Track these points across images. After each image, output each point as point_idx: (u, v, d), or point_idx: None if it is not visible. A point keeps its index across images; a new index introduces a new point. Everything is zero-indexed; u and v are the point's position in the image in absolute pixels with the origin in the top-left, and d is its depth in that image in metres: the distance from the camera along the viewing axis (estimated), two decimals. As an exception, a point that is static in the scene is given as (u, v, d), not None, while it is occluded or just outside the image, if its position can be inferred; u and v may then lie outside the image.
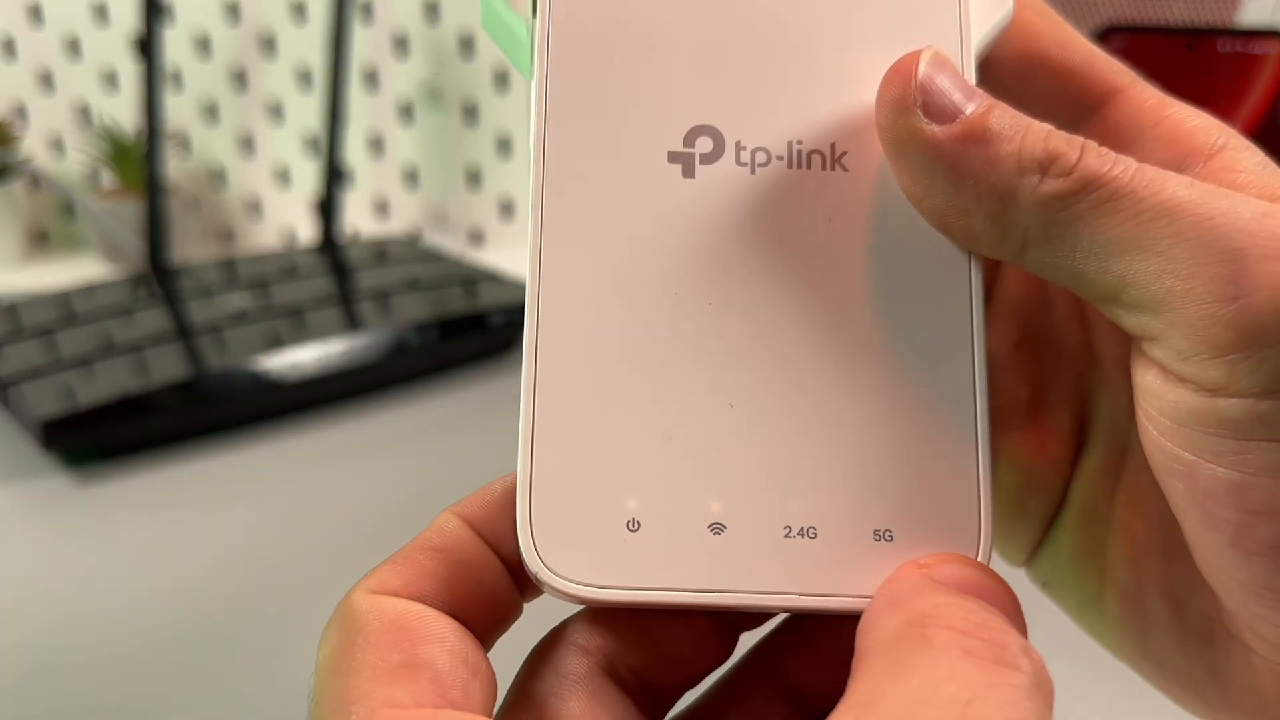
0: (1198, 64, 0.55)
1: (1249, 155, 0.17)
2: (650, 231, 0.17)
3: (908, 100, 0.16)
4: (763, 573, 0.16)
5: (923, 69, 0.16)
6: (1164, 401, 0.16)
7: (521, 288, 0.60)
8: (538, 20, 0.17)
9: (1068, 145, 0.15)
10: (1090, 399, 0.21)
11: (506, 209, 0.86)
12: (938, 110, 0.16)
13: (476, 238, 0.86)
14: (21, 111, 0.80)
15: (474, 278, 0.62)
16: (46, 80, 0.80)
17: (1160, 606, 0.19)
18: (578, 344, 0.16)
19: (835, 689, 0.17)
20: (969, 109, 0.16)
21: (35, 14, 0.78)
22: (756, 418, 0.17)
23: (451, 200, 0.85)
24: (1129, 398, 0.20)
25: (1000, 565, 0.22)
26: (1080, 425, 0.21)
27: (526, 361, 0.16)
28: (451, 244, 0.84)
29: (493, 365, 0.57)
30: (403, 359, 0.53)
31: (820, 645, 0.18)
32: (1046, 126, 0.16)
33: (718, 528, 0.16)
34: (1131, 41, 0.55)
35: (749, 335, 0.17)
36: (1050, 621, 0.20)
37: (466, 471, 0.45)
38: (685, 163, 0.17)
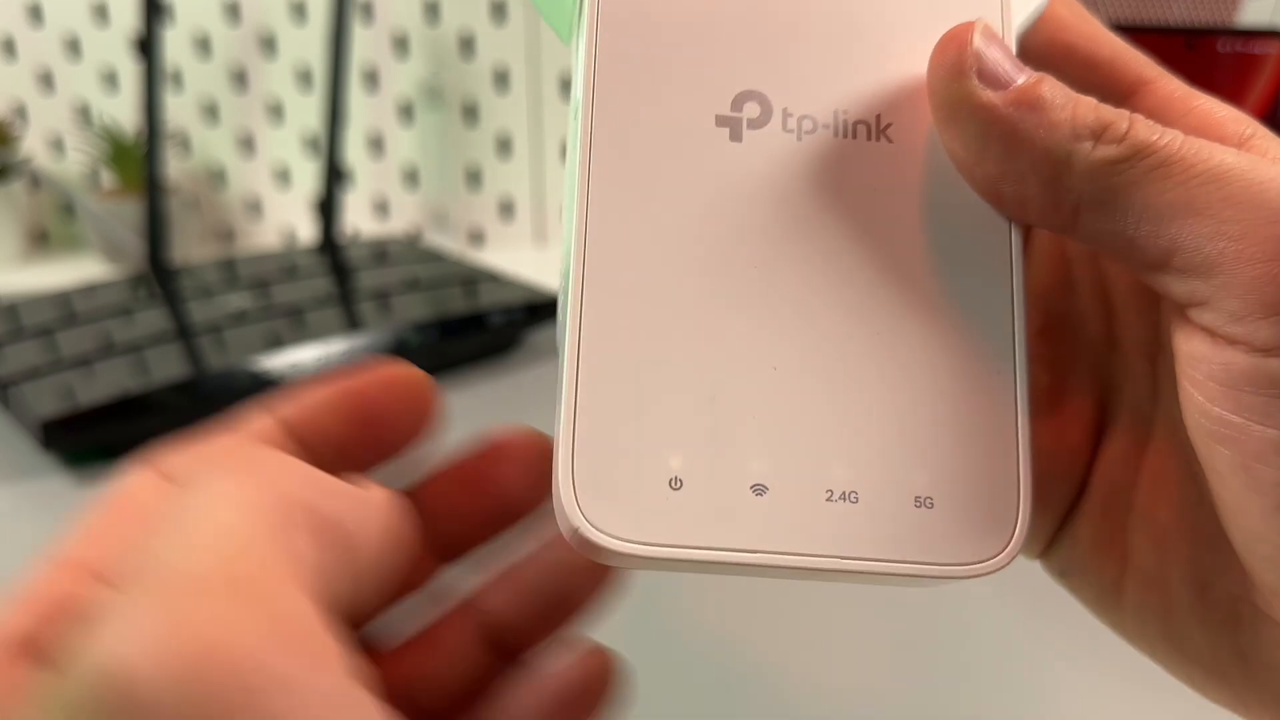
0: (1198, 64, 0.55)
1: (1276, 144, 0.17)
2: (696, 193, 0.17)
3: (964, 65, 0.16)
4: (803, 535, 0.16)
5: (976, 38, 0.16)
6: (1213, 365, 0.16)
7: (522, 288, 0.60)
8: None
9: (1117, 115, 0.16)
10: (1112, 386, 0.21)
11: (506, 209, 0.86)
12: (992, 76, 0.16)
13: (476, 238, 0.86)
14: (21, 111, 0.80)
15: (474, 278, 0.62)
16: (46, 80, 0.80)
17: (1184, 590, 0.19)
18: (622, 303, 0.16)
19: (530, 625, 0.19)
20: (1020, 79, 0.16)
21: (35, 14, 0.78)
22: (800, 381, 0.17)
23: (451, 200, 0.85)
24: (1152, 384, 0.20)
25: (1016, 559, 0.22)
26: (1101, 412, 0.21)
27: (571, 316, 0.16)
28: (451, 244, 0.84)
29: (493, 365, 0.57)
30: (403, 359, 0.53)
31: (516, 579, 0.19)
32: (1094, 99, 0.16)
33: (760, 489, 0.16)
34: (1131, 41, 0.55)
35: (793, 299, 0.17)
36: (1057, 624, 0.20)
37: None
38: (733, 127, 0.17)
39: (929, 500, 0.16)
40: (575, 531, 0.16)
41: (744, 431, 0.16)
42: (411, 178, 0.85)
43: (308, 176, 0.84)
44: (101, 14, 0.79)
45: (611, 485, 0.16)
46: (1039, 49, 0.19)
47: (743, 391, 0.16)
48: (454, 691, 0.19)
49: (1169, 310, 0.17)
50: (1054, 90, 0.16)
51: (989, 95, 0.16)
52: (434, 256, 0.67)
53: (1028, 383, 0.17)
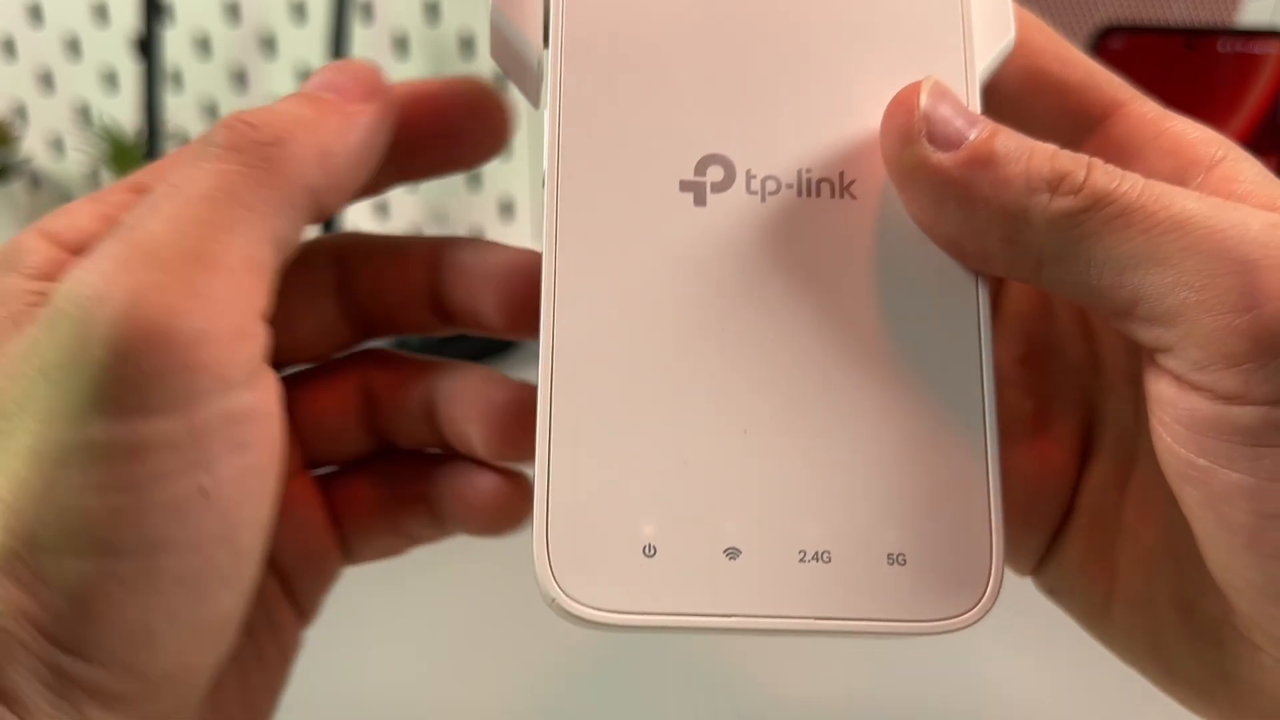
0: (1198, 64, 0.55)
1: (1248, 166, 0.17)
2: (663, 259, 0.17)
3: (913, 130, 0.16)
4: (777, 596, 0.16)
5: (924, 99, 0.16)
6: (1179, 409, 0.16)
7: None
8: (549, 50, 0.18)
9: (1074, 163, 0.16)
10: (1096, 408, 0.21)
11: (506, 209, 0.86)
12: (942, 138, 0.16)
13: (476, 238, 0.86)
14: (21, 111, 0.80)
15: (474, 278, 0.62)
16: (46, 80, 0.80)
17: (1170, 610, 0.19)
18: (592, 371, 0.17)
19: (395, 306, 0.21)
20: (973, 134, 0.16)
21: (35, 14, 0.78)
22: (770, 443, 0.17)
23: (451, 200, 0.85)
24: (1135, 406, 0.20)
25: (1007, 575, 0.22)
26: (1086, 434, 0.21)
27: (541, 388, 0.17)
28: (451, 244, 0.84)
29: (492, 365, 0.57)
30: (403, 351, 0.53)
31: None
32: (1051, 147, 0.16)
33: (733, 552, 0.16)
34: (1131, 41, 0.55)
35: (761, 361, 0.17)
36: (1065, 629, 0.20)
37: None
38: (697, 191, 0.17)
39: (901, 557, 0.17)
40: (553, 601, 0.16)
41: (716, 496, 0.17)
42: (411, 178, 0.85)
43: (308, 176, 0.84)
44: (101, 14, 0.79)
45: (586, 555, 0.16)
46: (1011, 78, 0.19)
47: (713, 456, 0.17)
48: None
49: (1142, 351, 0.17)
50: (1007, 143, 0.16)
51: (940, 158, 0.16)
52: (434, 256, 0.67)
53: (998, 436, 0.17)
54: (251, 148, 0.16)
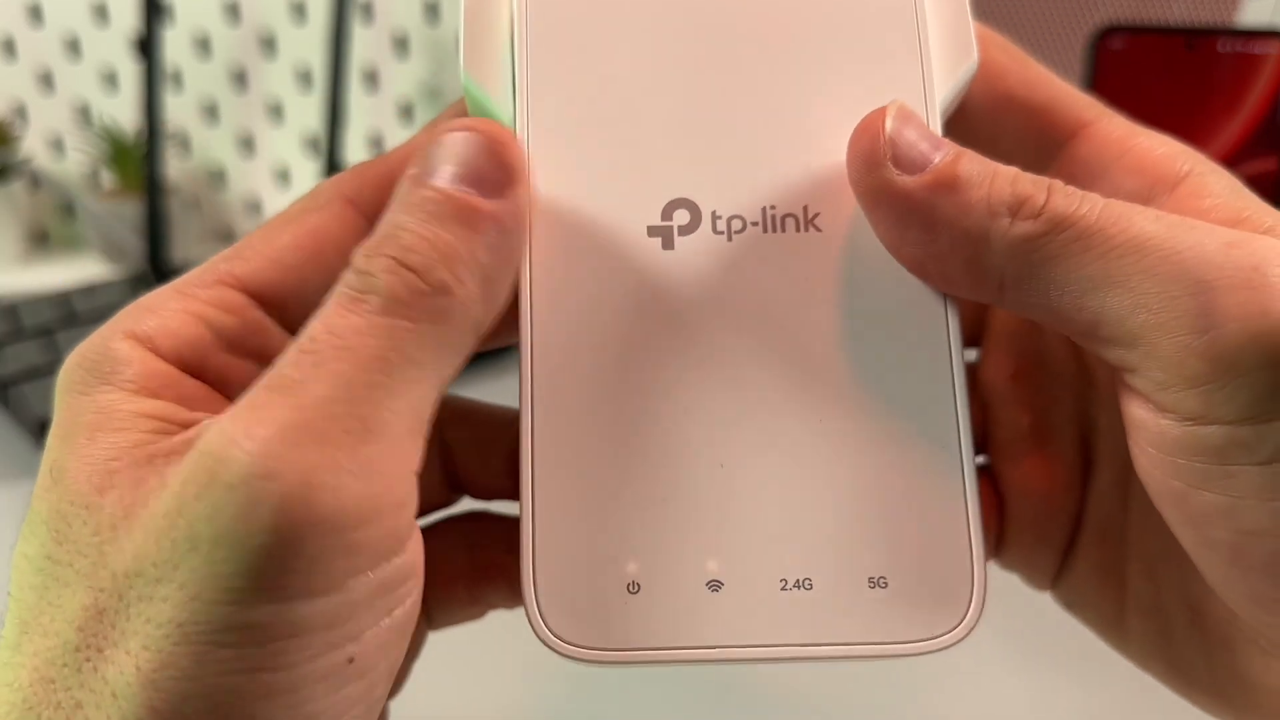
0: (1198, 64, 0.55)
1: (1215, 179, 0.17)
2: (634, 303, 0.17)
3: (878, 154, 0.16)
4: (761, 626, 0.17)
5: (890, 123, 0.16)
6: (1150, 433, 0.16)
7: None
8: (518, 107, 0.18)
9: (1034, 187, 0.16)
10: (1092, 419, 0.21)
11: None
12: (907, 161, 0.16)
13: (476, 238, 0.86)
14: (21, 111, 0.80)
15: (474, 278, 0.62)
16: (46, 80, 0.80)
17: (1180, 615, 0.19)
18: (571, 415, 0.17)
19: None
20: (937, 158, 0.16)
21: (35, 14, 0.78)
22: (747, 476, 0.17)
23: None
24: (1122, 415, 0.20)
25: (1026, 591, 0.22)
26: (1085, 445, 0.21)
27: (523, 433, 0.17)
28: (451, 244, 0.84)
29: (492, 365, 0.57)
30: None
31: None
32: (1014, 170, 0.16)
33: (715, 585, 0.17)
34: (1131, 41, 0.55)
35: (736, 397, 0.17)
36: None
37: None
38: (664, 235, 0.18)
39: (883, 580, 0.17)
40: (542, 643, 0.16)
41: (696, 530, 0.17)
42: (411, 178, 0.85)
43: (308, 176, 0.84)
44: (101, 14, 0.79)
45: (571, 595, 0.17)
46: (978, 100, 0.19)
47: (692, 491, 0.17)
48: None
49: (1117, 372, 0.17)
50: (970, 166, 0.16)
51: (905, 181, 0.16)
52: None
53: (973, 454, 0.17)
54: (419, 301, 0.15)
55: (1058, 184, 0.16)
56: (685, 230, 0.18)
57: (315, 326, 0.15)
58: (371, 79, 0.81)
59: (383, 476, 0.14)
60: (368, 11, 0.79)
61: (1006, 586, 0.21)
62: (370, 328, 0.15)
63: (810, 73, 0.18)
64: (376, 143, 0.83)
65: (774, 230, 0.18)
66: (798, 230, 0.18)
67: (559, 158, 0.18)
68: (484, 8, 0.19)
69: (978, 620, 0.17)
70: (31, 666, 0.14)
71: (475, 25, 0.19)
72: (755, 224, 0.18)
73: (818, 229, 0.18)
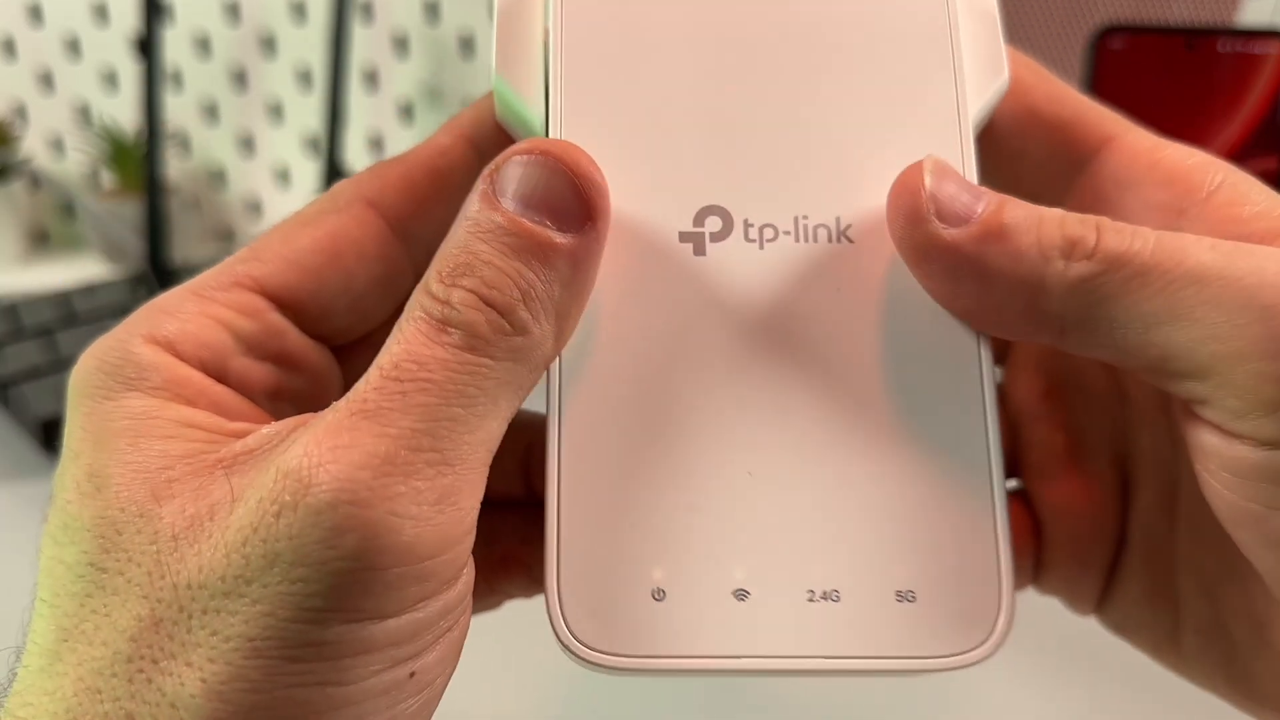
0: (1198, 64, 0.54)
1: (1250, 187, 0.17)
2: (665, 310, 0.17)
3: (921, 210, 0.16)
4: (787, 637, 0.16)
5: (929, 179, 0.16)
6: (1224, 458, 0.16)
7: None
8: (550, 112, 0.18)
9: (1083, 227, 0.16)
10: (1130, 439, 0.21)
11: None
12: (951, 215, 0.16)
13: (476, 238, 0.86)
14: (21, 111, 0.80)
15: (474, 278, 0.62)
16: (46, 80, 0.80)
17: (1243, 632, 0.19)
18: (599, 420, 0.17)
19: None
20: (980, 208, 0.16)
21: (35, 14, 0.78)
22: (776, 485, 0.17)
23: (451, 200, 0.85)
24: (1168, 433, 0.20)
25: (1069, 615, 0.22)
26: (1124, 466, 0.21)
27: (550, 438, 0.17)
28: (451, 244, 0.84)
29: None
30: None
31: None
32: (1059, 211, 0.16)
33: (742, 594, 0.17)
34: (1131, 41, 0.55)
35: (765, 405, 0.17)
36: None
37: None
38: (696, 242, 0.18)
39: (910, 594, 0.17)
40: (565, 647, 0.16)
41: (723, 539, 0.17)
42: (411, 178, 0.85)
43: (308, 176, 0.84)
44: (101, 14, 0.79)
45: (596, 601, 0.16)
46: (1004, 117, 0.19)
47: (720, 500, 0.17)
48: None
49: (1177, 401, 0.17)
50: (1016, 213, 0.16)
51: (952, 234, 0.16)
52: (434, 256, 0.67)
53: (1003, 469, 0.17)
54: (501, 340, 0.15)
55: (1105, 221, 0.16)
56: (717, 237, 0.18)
57: (398, 352, 0.15)
58: (371, 79, 0.81)
59: (456, 509, 0.15)
60: (368, 11, 0.79)
61: (1033, 603, 0.21)
62: (455, 363, 0.15)
63: (845, 84, 0.18)
64: (376, 143, 0.83)
65: (806, 240, 0.18)
66: (830, 241, 0.18)
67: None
68: (517, 9, 0.19)
69: (1005, 637, 0.17)
70: (76, 676, 0.14)
71: (508, 26, 0.18)
72: (787, 233, 0.18)
73: (849, 240, 0.18)
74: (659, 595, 0.16)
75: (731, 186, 0.18)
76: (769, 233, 0.18)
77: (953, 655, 0.16)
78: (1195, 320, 0.15)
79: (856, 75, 0.18)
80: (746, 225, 0.18)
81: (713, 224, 0.18)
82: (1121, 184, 0.18)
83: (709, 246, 0.18)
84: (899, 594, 0.17)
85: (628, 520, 0.17)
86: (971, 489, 0.17)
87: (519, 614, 0.22)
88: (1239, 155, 0.55)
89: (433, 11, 0.80)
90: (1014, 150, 0.19)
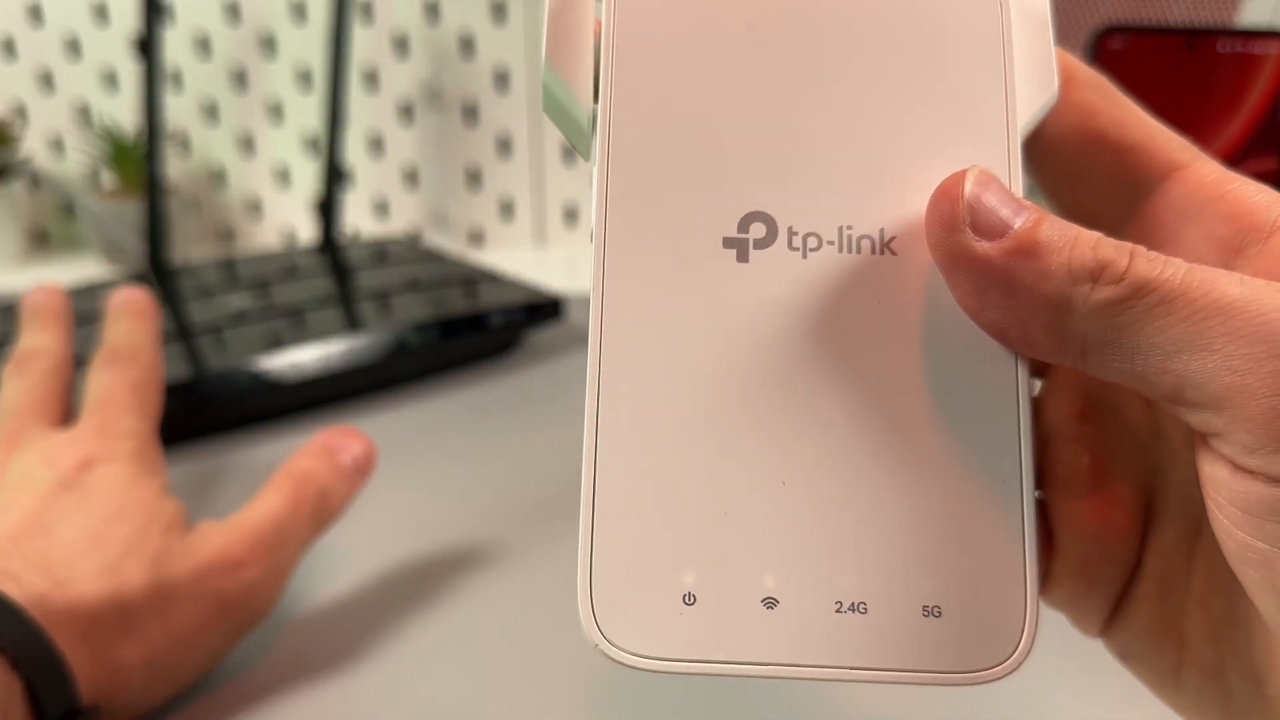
0: (1198, 64, 0.54)
1: None
2: (706, 314, 0.17)
3: (957, 220, 0.16)
4: (814, 646, 0.17)
5: (969, 188, 0.16)
6: (1234, 492, 0.16)
7: (522, 288, 0.60)
8: (599, 109, 0.18)
9: (1116, 252, 0.16)
10: (1158, 473, 0.21)
11: (506, 209, 0.86)
12: (987, 227, 0.16)
13: (476, 238, 0.86)
14: (21, 111, 0.80)
15: (474, 278, 0.62)
16: (46, 80, 0.80)
17: (1241, 682, 0.19)
18: (636, 423, 0.17)
19: None
20: (1017, 223, 0.16)
21: (35, 14, 0.78)
22: (809, 495, 0.17)
23: (451, 200, 0.85)
24: (1198, 473, 0.20)
25: (1074, 635, 0.22)
26: (1148, 498, 0.21)
27: (587, 440, 0.17)
28: (451, 244, 0.84)
29: (493, 365, 0.57)
30: (403, 359, 0.53)
31: None
32: (1095, 235, 0.16)
33: (771, 602, 0.17)
34: (1131, 41, 0.55)
35: (801, 415, 0.17)
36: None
37: (467, 471, 0.45)
38: (739, 248, 0.18)
39: (937, 609, 0.17)
40: (595, 647, 0.17)
41: (754, 546, 0.17)
42: (411, 178, 0.85)
43: (308, 176, 0.84)
44: (101, 14, 0.79)
45: (627, 602, 0.17)
46: (1068, 139, 0.19)
47: (753, 507, 0.17)
48: None
49: (1194, 434, 0.17)
50: (1051, 232, 0.16)
51: (984, 247, 0.16)
52: (434, 257, 0.67)
53: (1034, 491, 0.17)
54: (316, 499, 0.33)
55: (1140, 249, 0.16)
56: (761, 244, 0.18)
57: None
58: (371, 79, 0.81)
59: (282, 586, 0.34)
60: (368, 11, 0.79)
61: (1058, 619, 0.21)
62: (280, 501, 0.34)
63: (895, 92, 0.18)
64: (376, 143, 0.83)
65: (849, 251, 0.18)
66: (873, 253, 0.18)
67: (638, 159, 0.18)
68: (570, 2, 0.19)
69: (1028, 654, 0.17)
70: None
71: (560, 19, 0.18)
72: (831, 243, 0.18)
73: (893, 253, 0.18)
74: (689, 599, 0.17)
75: (777, 193, 0.18)
76: (813, 242, 0.18)
77: (975, 671, 0.17)
78: (1214, 351, 0.15)
79: (908, 83, 0.18)
80: (791, 233, 0.18)
81: (757, 230, 0.18)
82: (1184, 214, 0.18)
83: (752, 254, 0.18)
84: (925, 608, 0.17)
85: (662, 524, 0.17)
86: (1002, 508, 0.17)
87: (539, 616, 0.22)
88: (1239, 155, 0.55)
89: (433, 11, 0.80)
90: (1078, 174, 0.19)
